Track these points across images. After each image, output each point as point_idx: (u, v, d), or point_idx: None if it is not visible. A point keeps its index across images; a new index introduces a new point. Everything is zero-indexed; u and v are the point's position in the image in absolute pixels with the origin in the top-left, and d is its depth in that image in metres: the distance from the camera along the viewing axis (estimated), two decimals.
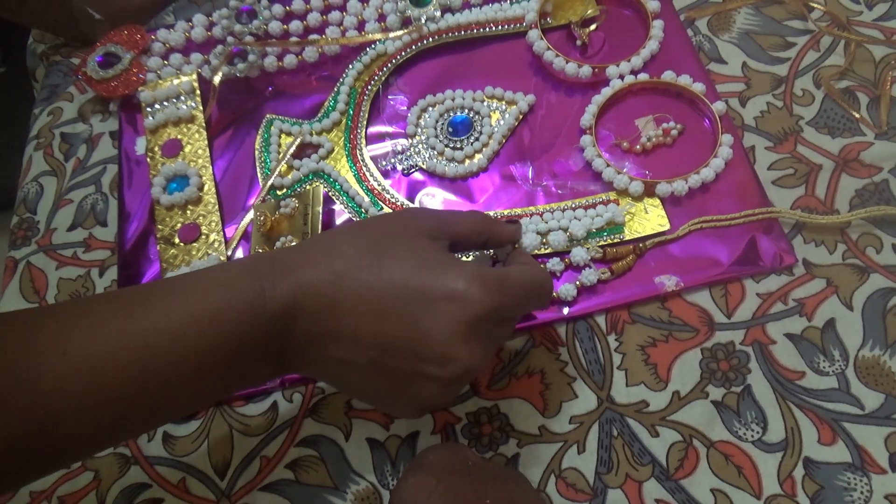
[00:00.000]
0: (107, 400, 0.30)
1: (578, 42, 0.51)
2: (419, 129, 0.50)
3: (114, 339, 0.30)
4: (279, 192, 0.50)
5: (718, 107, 0.46)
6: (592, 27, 0.52)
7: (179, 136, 0.53)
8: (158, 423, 0.41)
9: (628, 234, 0.44)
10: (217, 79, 0.54)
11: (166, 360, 0.30)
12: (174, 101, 0.54)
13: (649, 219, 0.45)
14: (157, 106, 0.54)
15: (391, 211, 0.45)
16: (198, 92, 0.54)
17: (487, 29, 0.53)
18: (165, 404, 0.32)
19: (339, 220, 0.48)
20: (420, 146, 0.50)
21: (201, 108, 0.54)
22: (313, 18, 0.56)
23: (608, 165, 0.46)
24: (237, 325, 0.31)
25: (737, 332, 0.41)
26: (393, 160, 0.50)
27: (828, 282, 0.41)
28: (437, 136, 0.50)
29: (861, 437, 0.37)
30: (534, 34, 0.51)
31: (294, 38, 0.56)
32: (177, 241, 0.48)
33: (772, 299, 0.41)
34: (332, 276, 0.33)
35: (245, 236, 0.48)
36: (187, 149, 0.52)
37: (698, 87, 0.47)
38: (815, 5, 0.50)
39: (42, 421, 0.29)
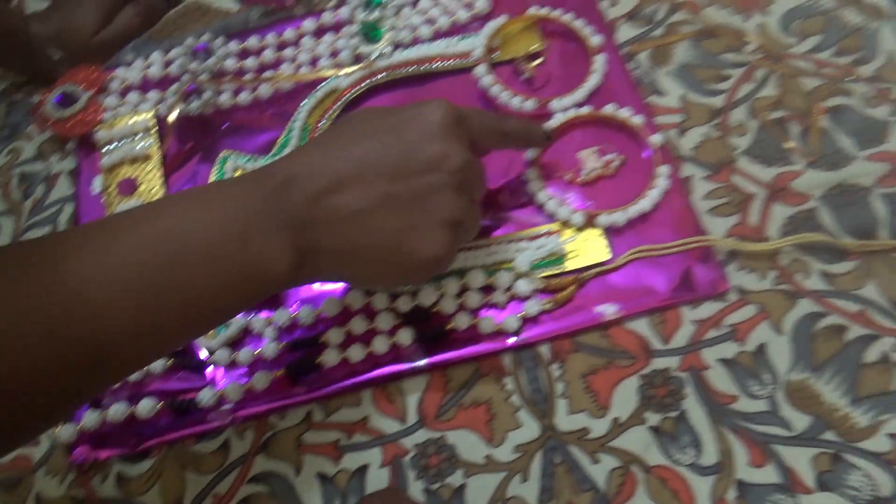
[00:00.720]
0: (147, 297, 0.32)
1: (523, 76, 0.53)
2: None
3: (136, 241, 0.32)
4: None
5: (656, 139, 0.48)
6: (538, 62, 0.54)
7: (135, 175, 0.54)
8: (200, 325, 0.38)
9: (570, 265, 0.46)
10: (172, 116, 0.55)
11: (186, 246, 0.33)
12: (130, 139, 0.55)
13: (590, 249, 0.46)
14: (113, 145, 0.55)
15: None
16: (154, 130, 0.55)
17: (436, 64, 0.55)
18: (198, 296, 0.33)
19: None
20: None
21: (158, 145, 0.55)
22: (267, 55, 0.57)
23: (551, 197, 0.47)
24: (239, 206, 0.34)
25: (673, 358, 0.42)
26: None
27: (759, 307, 0.43)
28: None
29: (789, 458, 0.39)
30: (481, 69, 0.53)
31: (248, 75, 0.57)
32: None
33: (706, 325, 0.43)
34: (320, 147, 0.37)
35: None
36: (143, 187, 0.53)
37: (637, 120, 0.49)
38: (750, 38, 0.52)
39: (90, 328, 0.30)
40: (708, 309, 0.43)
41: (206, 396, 0.44)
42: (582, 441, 0.41)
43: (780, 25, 0.53)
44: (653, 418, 0.41)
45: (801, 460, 0.39)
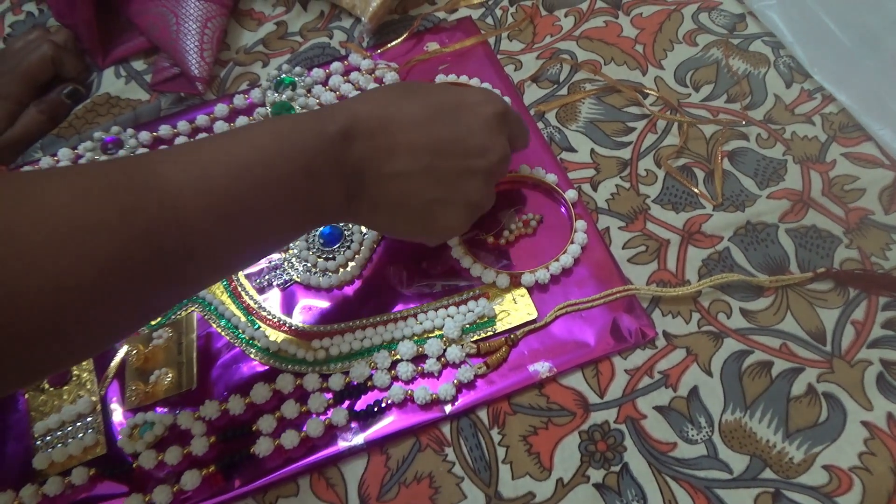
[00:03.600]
0: (222, 203, 0.33)
1: None
2: (291, 244, 0.51)
3: (216, 151, 0.35)
4: (152, 323, 0.49)
5: (570, 195, 0.49)
6: None
7: None
8: (266, 242, 0.39)
9: (500, 326, 0.46)
10: None
11: (258, 161, 0.35)
12: None
13: (518, 309, 0.46)
14: None
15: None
16: None
17: None
18: (268, 212, 0.36)
19: (217, 344, 0.48)
20: (294, 260, 0.50)
21: None
22: (180, 142, 0.57)
23: (475, 261, 0.48)
24: (305, 141, 0.36)
25: (610, 410, 0.42)
26: (268, 276, 0.50)
27: (687, 350, 0.44)
28: (308, 249, 0.50)
29: (732, 501, 0.39)
30: None
31: None
32: (46, 386, 0.47)
33: (639, 374, 0.43)
34: (381, 106, 0.39)
35: (119, 373, 0.47)
36: None
37: (551, 178, 0.50)
38: (649, 91, 0.55)
39: (179, 233, 0.32)
40: (639, 357, 0.44)
41: None
42: None
43: (674, 78, 0.55)
44: (596, 475, 0.41)
45: (744, 502, 0.39)
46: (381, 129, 0.38)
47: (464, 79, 0.56)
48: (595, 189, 0.51)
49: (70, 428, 0.44)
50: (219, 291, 0.50)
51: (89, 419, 0.45)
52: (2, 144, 0.60)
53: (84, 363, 0.47)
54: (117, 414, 0.45)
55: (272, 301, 0.49)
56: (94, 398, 0.46)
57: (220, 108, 0.58)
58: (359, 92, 0.57)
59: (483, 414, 0.43)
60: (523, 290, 0.47)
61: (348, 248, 0.50)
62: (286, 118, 0.38)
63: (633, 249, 0.48)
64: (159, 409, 0.45)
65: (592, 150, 0.53)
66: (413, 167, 0.39)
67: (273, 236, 0.38)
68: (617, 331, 0.45)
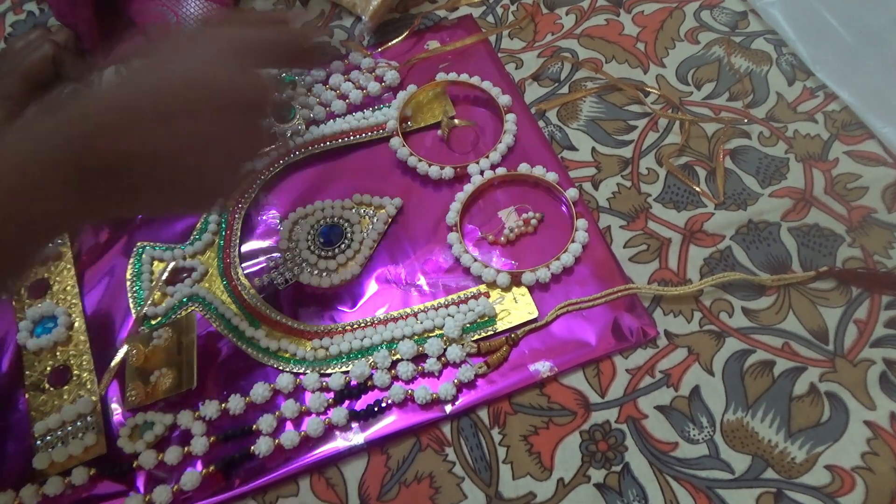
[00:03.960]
0: None
1: (439, 133, 0.54)
2: (292, 243, 0.51)
3: None
4: (153, 322, 0.49)
5: (571, 193, 0.49)
6: (456, 124, 0.54)
7: (46, 275, 0.52)
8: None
9: (501, 326, 0.46)
10: None
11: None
12: None
13: (519, 308, 0.46)
14: None
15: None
16: None
17: (352, 138, 0.55)
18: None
19: (217, 344, 0.48)
20: (294, 259, 0.50)
21: (69, 244, 0.53)
22: None
23: (475, 260, 0.47)
24: (33, 146, 0.33)
25: (611, 410, 0.42)
26: (268, 276, 0.50)
27: (689, 350, 0.43)
28: (309, 248, 0.50)
29: (734, 501, 0.39)
30: (396, 142, 0.53)
31: None
32: (46, 386, 0.47)
33: (640, 373, 0.43)
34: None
35: (120, 373, 0.47)
36: (55, 287, 0.51)
37: (552, 177, 0.50)
38: (651, 89, 0.55)
39: None
40: (640, 356, 0.44)
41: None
42: None
43: (676, 76, 0.55)
44: (597, 475, 0.40)
45: (746, 502, 0.38)
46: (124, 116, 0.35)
47: (464, 77, 0.56)
48: (596, 188, 0.51)
49: (70, 428, 0.44)
50: (219, 291, 0.49)
51: (89, 419, 0.44)
52: None
53: (84, 362, 0.47)
54: (117, 414, 0.45)
55: (272, 300, 0.49)
56: (94, 398, 0.46)
57: None
58: (360, 91, 0.57)
59: (484, 414, 0.43)
60: (524, 289, 0.47)
61: (349, 246, 0.50)
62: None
63: (634, 248, 0.48)
64: (158, 410, 0.45)
65: (593, 149, 0.52)
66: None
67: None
68: (618, 330, 0.44)
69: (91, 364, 0.47)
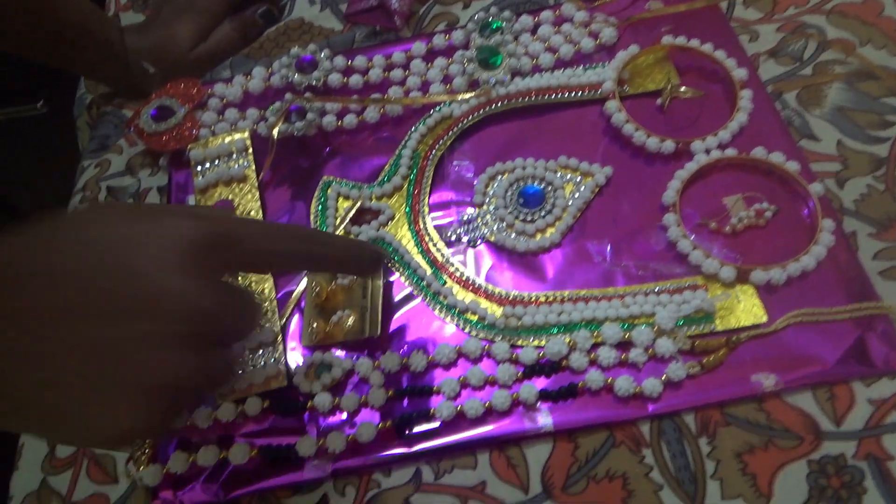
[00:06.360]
0: None
1: (659, 101, 0.48)
2: (487, 199, 0.47)
3: None
4: None
5: (816, 188, 0.43)
6: (683, 92, 0.49)
7: (231, 197, 0.50)
8: None
9: (720, 325, 0.40)
10: (274, 134, 0.51)
11: None
12: (225, 159, 0.52)
13: (742, 308, 0.41)
14: (207, 164, 0.52)
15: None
16: (250, 150, 0.52)
17: (560, 95, 0.51)
18: None
19: (398, 293, 0.45)
20: (488, 217, 0.47)
21: (254, 167, 0.51)
22: (375, 75, 0.54)
23: (695, 247, 0.42)
24: None
25: (848, 443, 0.37)
26: (458, 230, 0.47)
27: None
28: (506, 207, 0.46)
29: None
30: (612, 105, 0.48)
31: (355, 96, 0.53)
32: None
33: (886, 407, 0.37)
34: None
35: (299, 306, 0.45)
36: (239, 209, 0.50)
37: (792, 167, 0.44)
38: None
39: None
40: (886, 387, 0.38)
41: (305, 445, 0.39)
42: None
43: None
44: None
45: None
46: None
47: (695, 42, 0.50)
48: (841, 186, 0.44)
49: (252, 356, 0.43)
50: (405, 239, 0.47)
51: (270, 349, 0.43)
52: (194, 58, 0.59)
53: (265, 290, 0.45)
54: (292, 349, 0.44)
55: (461, 258, 0.45)
56: (275, 328, 0.44)
57: (418, 47, 0.55)
58: (571, 45, 0.52)
59: (690, 419, 0.39)
60: (750, 289, 0.41)
61: (550, 212, 0.46)
62: None
63: (886, 261, 0.41)
64: (336, 352, 0.43)
65: (839, 142, 0.46)
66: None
67: None
68: (863, 353, 0.38)
69: (273, 293, 0.45)
